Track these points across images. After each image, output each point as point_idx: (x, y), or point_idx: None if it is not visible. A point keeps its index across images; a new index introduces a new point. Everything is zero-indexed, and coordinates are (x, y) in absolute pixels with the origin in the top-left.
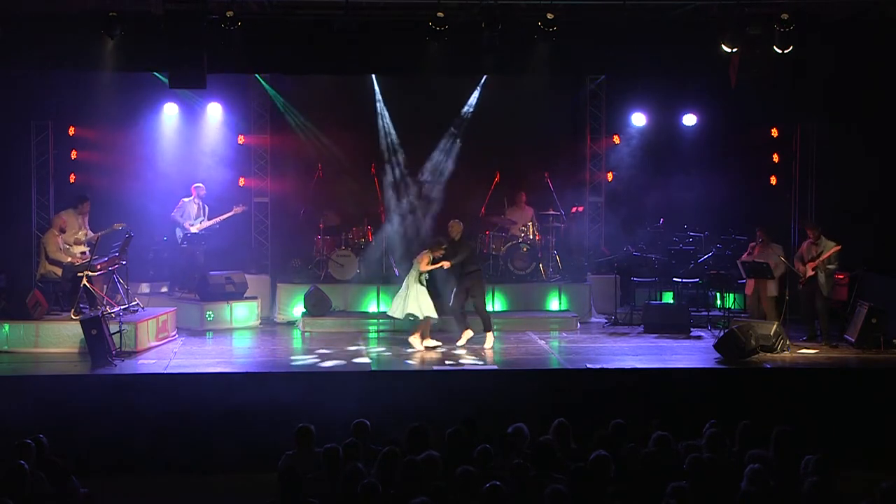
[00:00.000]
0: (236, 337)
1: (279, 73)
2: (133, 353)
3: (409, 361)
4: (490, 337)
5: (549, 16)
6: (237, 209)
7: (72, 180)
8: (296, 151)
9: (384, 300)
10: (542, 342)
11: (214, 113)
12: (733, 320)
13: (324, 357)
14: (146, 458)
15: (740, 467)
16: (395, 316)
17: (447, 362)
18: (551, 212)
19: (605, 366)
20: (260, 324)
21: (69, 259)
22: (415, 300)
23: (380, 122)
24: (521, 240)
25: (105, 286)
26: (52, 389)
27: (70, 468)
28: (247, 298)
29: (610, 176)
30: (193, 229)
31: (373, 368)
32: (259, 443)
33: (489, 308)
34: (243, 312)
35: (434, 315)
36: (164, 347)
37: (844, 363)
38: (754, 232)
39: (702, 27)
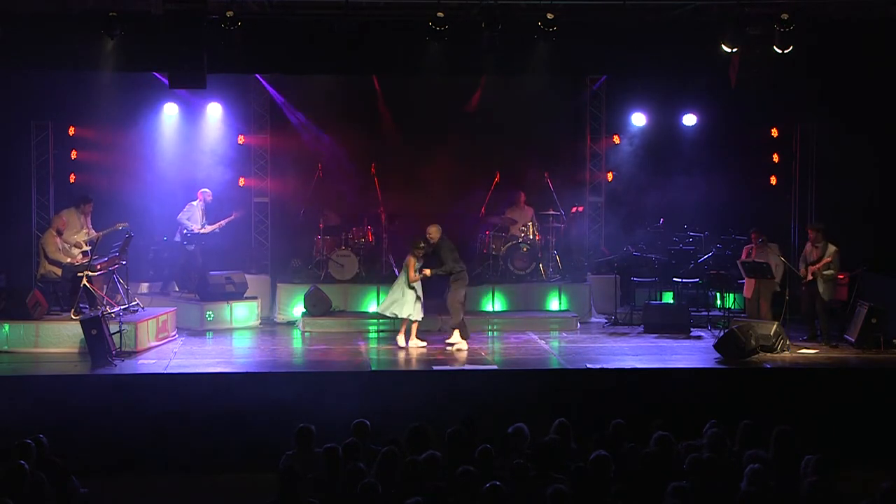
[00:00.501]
0: (236, 337)
1: (279, 73)
2: (133, 353)
3: (410, 361)
4: (456, 335)
5: (549, 16)
6: (235, 215)
7: (72, 180)
8: (296, 151)
9: (384, 300)
10: (542, 342)
11: (214, 113)
12: (733, 320)
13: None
14: (146, 458)
15: (740, 467)
16: (380, 311)
17: (434, 361)
18: (551, 212)
19: (605, 366)
20: (260, 324)
21: (68, 259)
22: (399, 301)
23: (378, 121)
24: (521, 240)
25: (105, 286)
26: (52, 389)
27: (70, 468)
28: (247, 298)
29: (610, 176)
30: (196, 230)
31: (373, 368)
32: (259, 443)
33: (489, 308)
34: (243, 312)
35: (415, 317)
36: (164, 347)
37: (844, 363)
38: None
39: (702, 27)
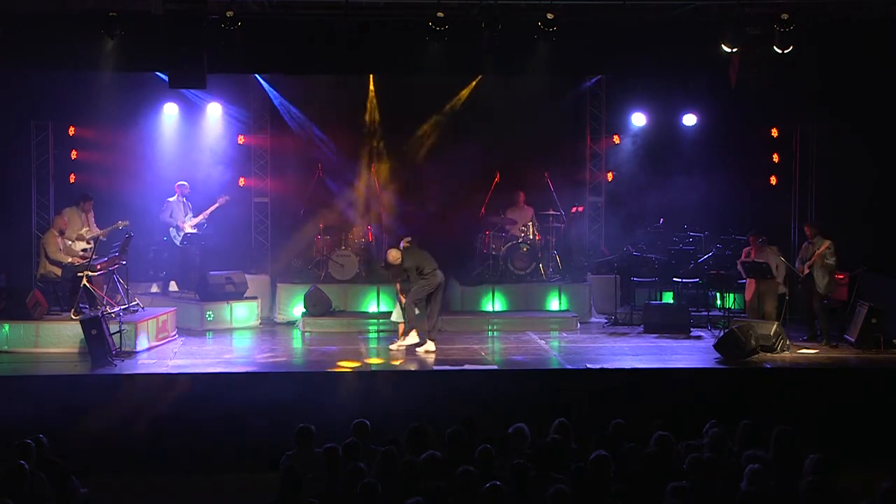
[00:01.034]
0: (236, 337)
1: (279, 73)
2: (133, 353)
3: (409, 361)
4: (413, 336)
5: (549, 16)
6: (221, 200)
7: (72, 180)
8: (296, 151)
9: (384, 300)
10: (542, 342)
11: (214, 113)
12: (733, 320)
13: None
14: (146, 458)
15: (740, 467)
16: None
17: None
18: (551, 212)
19: (605, 366)
20: (260, 324)
21: (69, 259)
22: (398, 308)
23: (379, 121)
24: (521, 240)
25: (105, 286)
26: (52, 389)
27: (70, 468)
28: (247, 298)
29: (610, 176)
30: (188, 228)
31: (373, 368)
32: (259, 443)
33: (489, 308)
34: (243, 312)
35: (396, 320)
36: (164, 347)
37: (844, 363)
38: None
39: (702, 27)
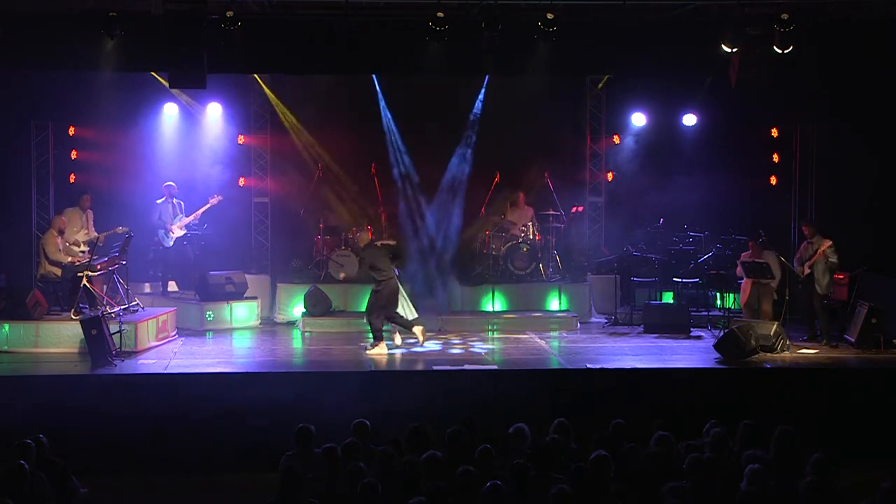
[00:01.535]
0: (236, 337)
1: (279, 73)
2: (133, 353)
3: (410, 361)
4: (381, 347)
5: (549, 16)
6: (213, 200)
7: (72, 180)
8: (296, 151)
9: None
10: (542, 342)
11: (214, 113)
12: (733, 320)
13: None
14: (146, 458)
15: (740, 467)
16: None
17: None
18: (551, 212)
19: (605, 366)
20: (260, 324)
21: (69, 259)
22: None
23: (382, 121)
24: (521, 240)
25: (105, 286)
26: (52, 389)
27: (70, 468)
28: (247, 298)
29: (610, 176)
30: (175, 232)
31: (372, 368)
32: (259, 443)
33: (489, 308)
34: (243, 312)
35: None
36: (164, 347)
37: (844, 363)
38: (755, 232)
39: (702, 27)
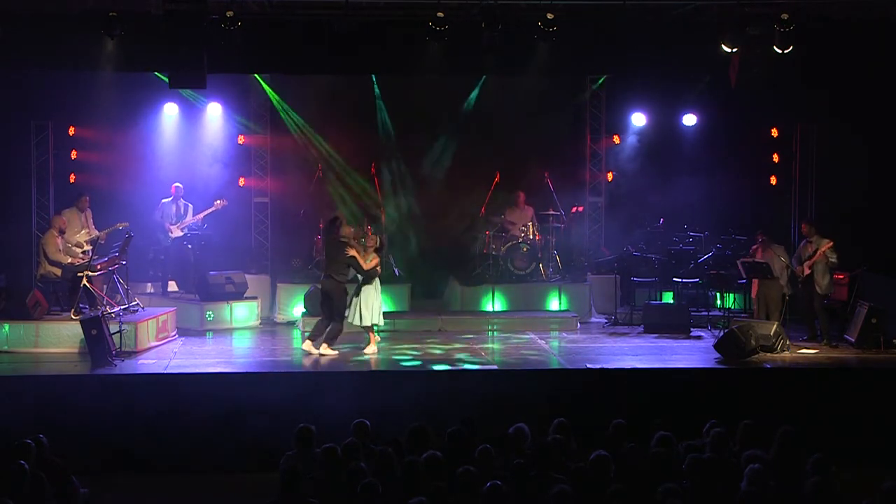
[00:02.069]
0: (236, 337)
1: (279, 73)
2: (133, 353)
3: (409, 361)
4: (317, 346)
5: (549, 16)
6: (218, 204)
7: (72, 180)
8: (296, 151)
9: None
10: (542, 342)
11: (214, 113)
12: (733, 320)
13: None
14: (146, 458)
15: (740, 467)
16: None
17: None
18: (551, 212)
19: (605, 366)
20: (260, 324)
21: (69, 259)
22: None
23: (378, 121)
24: (521, 240)
25: (105, 286)
26: (52, 389)
27: (70, 468)
28: (247, 298)
29: (610, 176)
30: (174, 232)
31: (373, 368)
32: (259, 443)
33: (489, 308)
34: (243, 312)
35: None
36: (164, 347)
37: (844, 363)
38: (755, 232)
39: (702, 27)
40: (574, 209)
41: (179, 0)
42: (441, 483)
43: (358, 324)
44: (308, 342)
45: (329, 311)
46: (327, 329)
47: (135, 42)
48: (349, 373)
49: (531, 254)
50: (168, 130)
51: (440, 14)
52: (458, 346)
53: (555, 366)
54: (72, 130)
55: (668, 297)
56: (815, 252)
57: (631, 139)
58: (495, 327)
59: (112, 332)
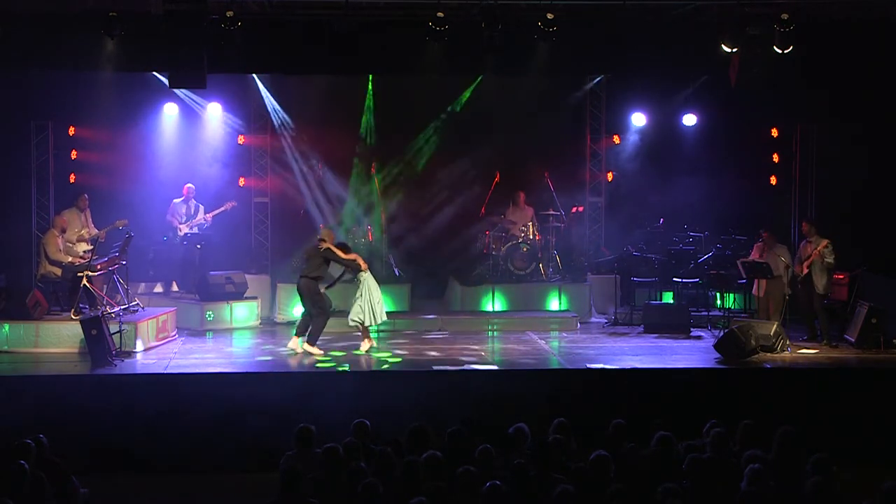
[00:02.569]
0: (236, 337)
1: (279, 73)
2: (133, 353)
3: (410, 361)
4: (299, 343)
5: (549, 16)
6: (228, 205)
7: (72, 180)
8: (295, 151)
9: (384, 300)
10: (542, 342)
11: (214, 113)
12: (733, 320)
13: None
14: (146, 459)
15: (740, 467)
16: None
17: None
18: (551, 212)
19: (605, 366)
20: (260, 324)
21: (70, 259)
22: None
23: (378, 121)
24: (521, 240)
25: (105, 286)
26: (52, 389)
27: (70, 468)
28: (247, 298)
29: (610, 176)
30: (182, 230)
31: (373, 368)
32: (259, 443)
33: (489, 308)
34: (243, 312)
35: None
36: (164, 347)
37: (844, 363)
38: (755, 232)
39: (702, 27)
40: (574, 209)
41: (179, 0)
42: (441, 483)
43: (360, 321)
44: (294, 339)
45: (308, 309)
46: (308, 328)
47: (135, 42)
48: (349, 373)
49: (531, 254)
50: (168, 130)
51: (440, 14)
52: (458, 346)
53: (555, 366)
54: (72, 130)
55: (668, 297)
56: (814, 252)
57: (631, 139)
58: (495, 327)
59: (112, 332)
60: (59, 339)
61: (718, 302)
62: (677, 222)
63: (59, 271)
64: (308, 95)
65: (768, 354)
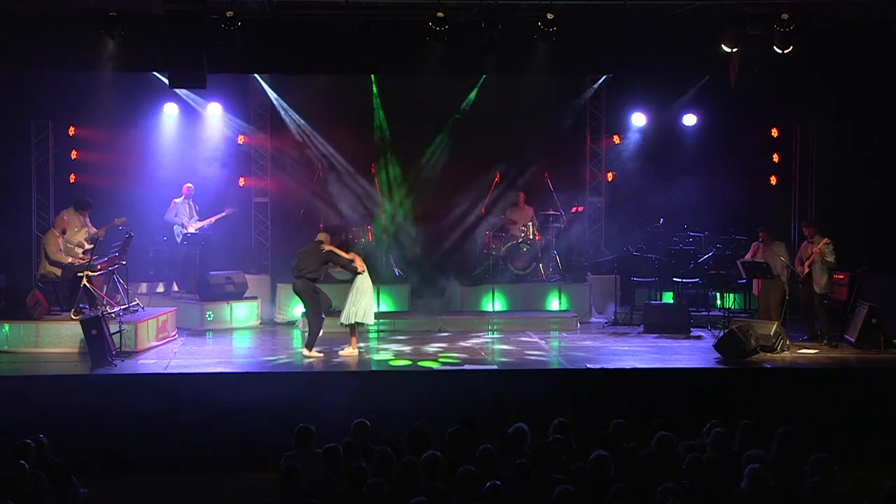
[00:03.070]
0: (236, 337)
1: (279, 73)
2: (133, 353)
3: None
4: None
5: (549, 16)
6: (227, 211)
7: (72, 180)
8: (296, 151)
9: (384, 300)
10: (542, 342)
11: (214, 113)
12: (733, 320)
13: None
14: (146, 459)
15: (740, 467)
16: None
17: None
18: (551, 212)
19: (605, 366)
20: (260, 324)
21: (70, 259)
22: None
23: (378, 121)
24: (521, 240)
25: (105, 286)
26: (52, 389)
27: (70, 468)
28: (247, 298)
29: (610, 176)
30: (191, 229)
31: (373, 368)
32: (259, 443)
33: (489, 308)
34: (243, 312)
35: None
36: (164, 347)
37: (844, 363)
38: (755, 232)
39: (702, 27)
40: (574, 209)
41: (179, 0)
42: (441, 483)
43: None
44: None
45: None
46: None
47: (135, 42)
48: (349, 373)
49: (531, 254)
50: (168, 130)
51: (440, 14)
52: (457, 346)
53: (555, 366)
54: (72, 130)
55: (668, 297)
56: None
57: (631, 139)
58: (495, 327)
59: (112, 332)
60: (59, 339)
61: (718, 302)
62: (677, 222)
63: (59, 271)
64: (308, 95)
65: (768, 354)
